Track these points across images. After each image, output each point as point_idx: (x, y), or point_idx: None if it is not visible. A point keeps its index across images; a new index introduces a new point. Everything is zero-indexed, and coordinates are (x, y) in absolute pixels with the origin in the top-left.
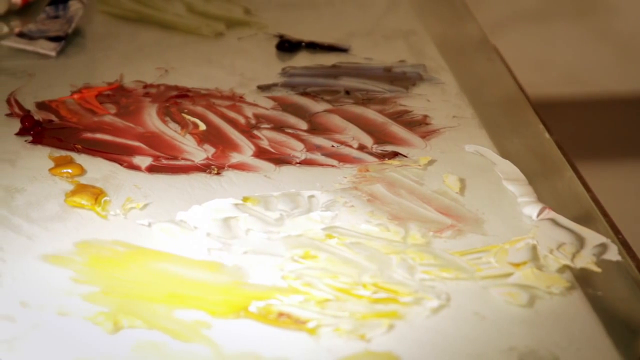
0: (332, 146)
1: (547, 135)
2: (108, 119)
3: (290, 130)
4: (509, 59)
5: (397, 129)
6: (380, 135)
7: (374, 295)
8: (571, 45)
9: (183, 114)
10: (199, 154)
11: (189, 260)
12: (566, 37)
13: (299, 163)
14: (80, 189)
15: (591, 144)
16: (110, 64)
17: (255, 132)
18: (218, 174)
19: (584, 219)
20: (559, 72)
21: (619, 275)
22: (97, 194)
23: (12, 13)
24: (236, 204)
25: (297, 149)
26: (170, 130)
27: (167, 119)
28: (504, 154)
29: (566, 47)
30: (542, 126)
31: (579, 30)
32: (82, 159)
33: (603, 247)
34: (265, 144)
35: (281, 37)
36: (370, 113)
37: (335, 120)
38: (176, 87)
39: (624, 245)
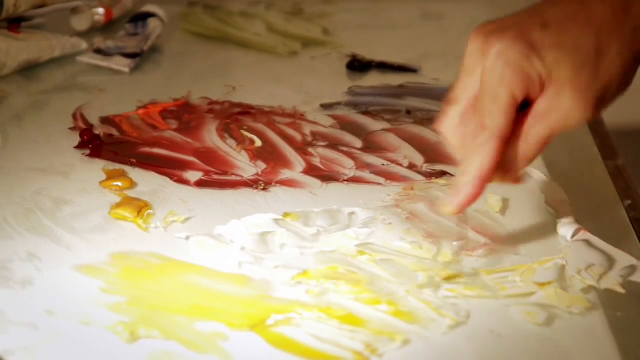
0: (383, 164)
1: (599, 158)
2: (168, 134)
3: (344, 148)
4: None
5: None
6: (432, 155)
7: (394, 310)
8: None
9: (242, 131)
10: (250, 169)
11: (218, 273)
12: None
13: (347, 180)
14: (126, 201)
15: None
16: (182, 80)
17: (310, 149)
18: (265, 189)
19: (622, 242)
20: None
21: None
22: (141, 207)
23: (96, 30)
24: (276, 220)
25: (347, 167)
26: (225, 146)
27: (226, 135)
28: (555, 176)
29: None
30: (596, 150)
31: None
32: (135, 172)
33: (632, 269)
34: (317, 161)
35: (353, 56)
36: (427, 133)
37: (390, 139)
38: (240, 105)
39: None
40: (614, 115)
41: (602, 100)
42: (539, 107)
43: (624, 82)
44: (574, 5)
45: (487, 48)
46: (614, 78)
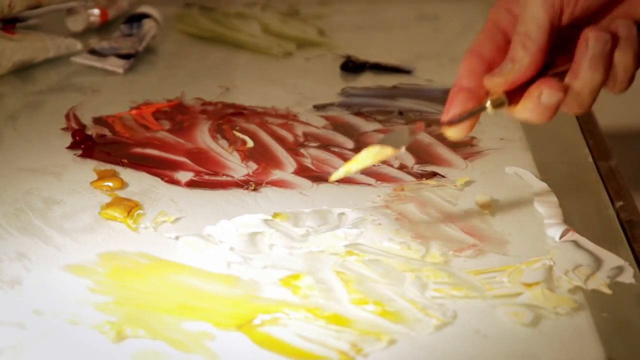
0: (373, 165)
1: (590, 159)
2: (160, 134)
3: (335, 149)
4: None
5: (441, 150)
6: (423, 156)
7: (380, 310)
8: None
9: (234, 131)
10: (241, 170)
11: (207, 273)
12: None
13: (337, 181)
14: (116, 202)
15: None
16: (176, 81)
17: (301, 150)
18: (255, 190)
19: (610, 243)
20: None
21: (630, 299)
22: (131, 207)
23: (91, 30)
24: (265, 220)
25: (338, 167)
26: (217, 147)
27: (218, 135)
28: (545, 177)
29: None
30: (587, 151)
31: None
32: (126, 172)
33: (619, 270)
34: (308, 161)
35: (348, 57)
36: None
37: None
38: (233, 105)
39: None
40: (609, 116)
41: None
42: None
43: None
44: None
45: None
46: None
